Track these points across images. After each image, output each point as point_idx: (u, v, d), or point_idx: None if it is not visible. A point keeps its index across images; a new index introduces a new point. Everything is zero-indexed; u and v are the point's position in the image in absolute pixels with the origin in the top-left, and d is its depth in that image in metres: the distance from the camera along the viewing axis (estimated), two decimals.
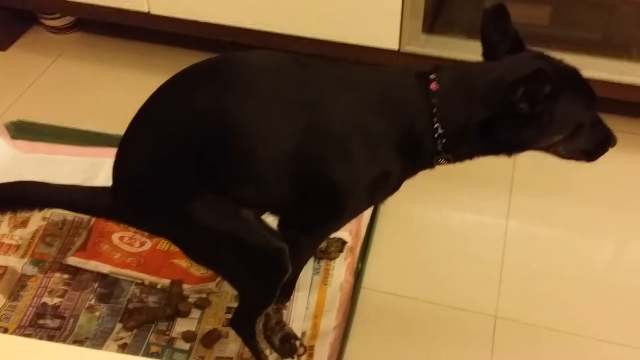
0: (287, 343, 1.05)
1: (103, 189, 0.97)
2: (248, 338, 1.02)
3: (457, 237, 1.30)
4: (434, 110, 0.85)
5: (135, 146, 0.91)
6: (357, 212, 0.98)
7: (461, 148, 0.89)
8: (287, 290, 1.05)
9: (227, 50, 1.42)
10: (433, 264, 1.24)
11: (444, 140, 0.87)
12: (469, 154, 0.91)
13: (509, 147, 0.89)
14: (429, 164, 0.92)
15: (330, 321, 1.11)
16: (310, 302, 1.14)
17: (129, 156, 0.92)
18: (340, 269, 1.20)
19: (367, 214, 1.26)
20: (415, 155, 0.90)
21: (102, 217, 1.00)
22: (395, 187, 0.95)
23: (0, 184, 1.02)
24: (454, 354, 1.10)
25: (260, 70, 0.89)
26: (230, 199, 0.89)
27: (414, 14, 1.38)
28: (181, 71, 0.91)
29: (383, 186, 0.92)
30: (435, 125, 0.86)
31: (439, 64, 0.89)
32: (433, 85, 0.86)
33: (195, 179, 0.88)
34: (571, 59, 1.38)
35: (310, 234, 0.96)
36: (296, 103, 0.86)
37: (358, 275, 1.19)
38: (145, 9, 1.55)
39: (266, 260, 0.91)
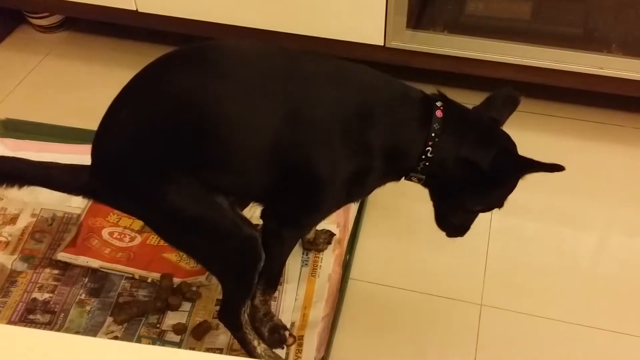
0: (276, 333, 1.06)
1: (82, 167, 0.96)
2: (235, 329, 1.03)
3: None
4: (432, 135, 0.89)
5: (113, 125, 0.91)
6: (334, 206, 0.98)
7: (435, 176, 0.93)
8: (274, 281, 1.05)
9: None
10: (419, 255, 1.26)
11: (426, 163, 0.91)
12: (436, 183, 0.96)
13: (474, 196, 0.95)
14: (401, 177, 0.96)
15: (318, 312, 1.13)
16: (299, 294, 1.16)
17: (106, 135, 0.92)
18: (329, 260, 1.21)
19: (354, 206, 1.28)
20: (396, 165, 0.93)
21: (79, 195, 0.98)
22: (369, 190, 0.97)
23: None
24: (440, 341, 1.12)
25: (246, 58, 0.90)
26: (207, 185, 0.90)
27: (398, 10, 1.41)
28: (166, 53, 0.92)
29: (360, 184, 0.93)
30: (427, 148, 0.90)
31: (441, 93, 0.93)
32: (438, 113, 0.90)
33: (171, 162, 0.88)
34: (553, 54, 1.42)
35: (291, 225, 0.97)
36: (281, 93, 0.87)
37: (346, 266, 1.21)
38: (132, 7, 1.56)
39: (238, 248, 0.92)
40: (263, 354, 1.03)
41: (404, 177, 0.96)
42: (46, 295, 1.17)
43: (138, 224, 1.28)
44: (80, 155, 1.41)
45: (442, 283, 1.21)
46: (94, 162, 0.94)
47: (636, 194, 1.38)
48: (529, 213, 1.35)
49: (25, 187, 0.99)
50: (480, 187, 0.93)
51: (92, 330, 1.11)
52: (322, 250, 1.22)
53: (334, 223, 1.27)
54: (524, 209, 1.35)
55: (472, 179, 0.92)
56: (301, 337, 1.10)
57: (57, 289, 1.18)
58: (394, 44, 1.45)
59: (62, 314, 1.14)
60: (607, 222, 1.35)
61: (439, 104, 0.91)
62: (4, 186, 0.98)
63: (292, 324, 1.12)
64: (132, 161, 0.89)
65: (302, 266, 1.21)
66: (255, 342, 1.03)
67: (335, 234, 1.25)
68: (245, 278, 0.95)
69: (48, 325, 1.12)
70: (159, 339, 1.10)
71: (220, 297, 1.15)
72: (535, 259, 1.26)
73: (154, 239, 1.25)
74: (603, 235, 1.34)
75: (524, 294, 1.20)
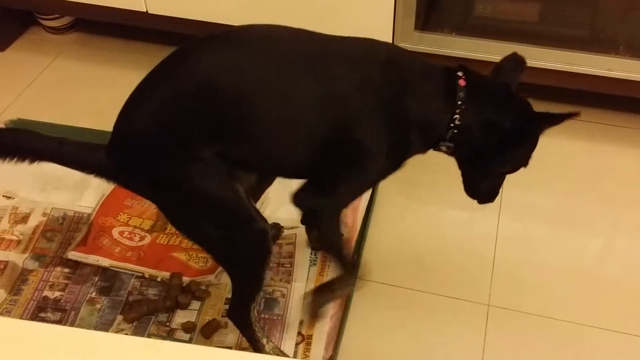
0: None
1: (96, 146, 0.95)
2: (243, 327, 1.03)
3: (451, 229, 1.32)
4: (459, 102, 0.93)
5: (142, 103, 0.90)
6: (374, 177, 1.00)
7: (463, 142, 0.96)
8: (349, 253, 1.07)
9: None
10: (427, 256, 1.27)
11: (455, 131, 0.94)
12: (465, 150, 0.98)
13: (501, 157, 0.98)
14: (430, 147, 0.98)
15: (328, 311, 1.13)
16: (308, 292, 1.17)
17: (135, 113, 0.91)
18: None
19: (362, 206, 1.29)
20: (428, 136, 0.96)
21: (92, 174, 0.96)
22: (402, 163, 0.99)
23: None
24: (448, 341, 1.12)
25: (280, 39, 0.92)
26: (236, 163, 0.91)
27: (407, 12, 1.41)
28: (197, 38, 0.93)
29: (396, 157, 0.96)
30: (455, 116, 0.93)
31: (461, 64, 0.97)
32: (461, 82, 0.94)
33: (200, 140, 0.88)
34: (560, 55, 1.42)
35: (329, 199, 0.97)
36: (317, 72, 0.89)
37: (354, 266, 1.21)
38: (142, 8, 1.57)
39: (249, 239, 0.94)
40: (271, 352, 1.03)
41: (432, 148, 0.99)
42: (57, 294, 1.18)
43: (148, 223, 1.30)
44: None
45: (449, 283, 1.21)
46: (116, 139, 0.93)
47: None
48: (535, 214, 1.35)
49: (36, 162, 0.96)
50: (506, 147, 0.96)
51: (102, 328, 1.12)
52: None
53: (341, 223, 1.27)
54: (531, 211, 1.36)
55: (497, 141, 0.95)
56: (310, 336, 1.10)
57: (67, 287, 1.19)
58: (402, 45, 1.46)
59: (73, 312, 1.15)
60: (614, 224, 1.35)
61: (460, 73, 0.95)
62: (15, 160, 0.95)
63: (301, 323, 1.12)
64: (160, 138, 0.89)
65: (310, 266, 1.22)
66: (264, 340, 1.04)
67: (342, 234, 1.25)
68: (255, 271, 0.96)
69: (59, 323, 1.13)
70: (169, 337, 1.12)
71: (229, 295, 1.17)
72: (542, 260, 1.26)
73: (163, 239, 1.27)
74: (610, 237, 1.34)
75: (531, 294, 1.20)
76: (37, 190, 1.37)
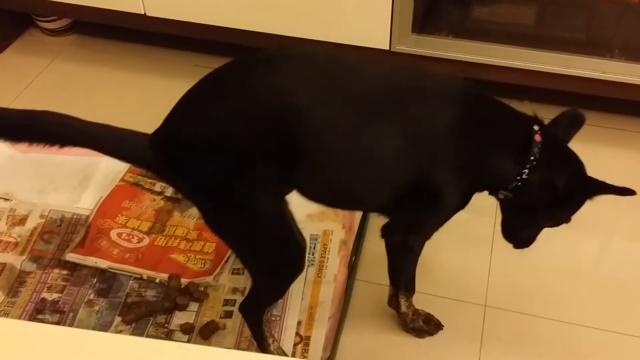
0: (432, 322, 1.13)
1: (135, 134, 0.93)
2: (254, 324, 1.04)
3: (448, 230, 1.32)
4: (531, 158, 0.93)
5: (209, 106, 0.88)
6: (452, 213, 1.00)
7: (521, 195, 0.97)
8: (413, 285, 1.11)
9: (222, 51, 1.45)
10: (424, 256, 1.26)
11: (518, 184, 0.95)
12: (518, 201, 0.99)
13: (546, 212, 1.00)
14: (491, 191, 1.00)
15: (325, 311, 1.14)
16: (306, 293, 1.17)
17: (197, 113, 0.88)
18: (334, 261, 1.23)
19: None
20: (494, 182, 0.98)
21: (129, 163, 0.94)
22: (468, 201, 1.01)
23: (26, 112, 0.94)
24: (445, 342, 1.13)
25: (362, 74, 0.90)
26: (289, 184, 0.91)
27: (404, 14, 1.42)
28: (280, 50, 0.92)
29: (466, 195, 0.98)
30: (524, 170, 0.94)
31: (536, 116, 0.97)
32: (537, 137, 0.94)
33: (263, 156, 0.86)
34: (556, 58, 1.43)
35: (416, 234, 1.02)
36: (392, 109, 0.88)
37: (352, 267, 1.22)
38: (141, 10, 1.57)
39: (287, 255, 0.94)
40: (275, 351, 1.04)
41: (488, 192, 1.01)
42: (55, 295, 1.18)
43: (146, 225, 1.30)
44: (91, 157, 1.43)
45: (446, 284, 1.22)
46: (171, 137, 0.90)
47: (638, 198, 1.39)
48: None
49: (68, 147, 0.93)
50: (554, 206, 0.98)
51: (100, 329, 1.12)
52: None
53: (340, 224, 1.28)
54: None
55: (549, 199, 0.97)
56: (308, 337, 1.11)
57: (65, 289, 1.19)
58: (399, 48, 1.47)
59: (71, 314, 1.15)
60: (610, 225, 1.36)
61: (536, 127, 0.95)
62: (44, 143, 0.92)
63: (299, 324, 1.13)
64: (224, 146, 0.86)
65: (308, 266, 1.22)
66: (270, 340, 1.05)
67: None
68: (284, 284, 0.98)
69: (57, 325, 1.13)
70: (167, 338, 1.12)
71: (228, 297, 1.17)
72: (539, 261, 1.27)
73: (162, 240, 1.27)
74: (607, 238, 1.35)
75: (528, 295, 1.21)
76: (35, 192, 1.37)
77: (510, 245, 1.32)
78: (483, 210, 1.36)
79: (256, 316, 1.03)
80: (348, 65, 0.91)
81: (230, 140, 0.86)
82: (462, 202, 0.98)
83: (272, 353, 1.03)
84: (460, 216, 1.38)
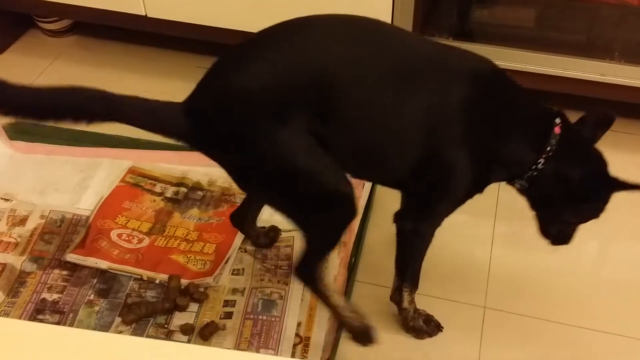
0: (432, 322, 1.13)
1: (166, 104, 0.92)
2: (309, 282, 1.03)
3: (447, 232, 1.32)
4: (548, 149, 0.95)
5: (252, 61, 0.89)
6: (463, 199, 1.01)
7: (537, 185, 0.99)
8: (417, 280, 1.11)
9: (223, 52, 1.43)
10: (424, 258, 1.27)
11: (534, 174, 0.97)
12: (536, 193, 1.01)
13: (569, 208, 1.02)
14: (505, 180, 1.01)
15: (324, 312, 1.14)
16: (306, 294, 1.17)
17: (240, 69, 0.89)
18: (334, 262, 1.23)
19: (360, 208, 1.30)
20: (509, 169, 0.99)
21: (161, 134, 0.92)
22: (483, 188, 1.01)
23: (55, 88, 0.93)
24: (444, 344, 1.13)
25: (398, 42, 0.94)
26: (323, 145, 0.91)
27: (404, 16, 1.43)
28: (321, 16, 0.94)
29: (480, 182, 0.99)
30: (540, 160, 0.95)
31: (560, 110, 0.99)
32: (557, 129, 0.96)
33: (302, 111, 0.88)
34: (556, 60, 1.44)
35: (428, 221, 1.02)
36: (424, 83, 0.91)
37: (351, 268, 1.22)
38: (142, 12, 1.58)
39: (338, 202, 0.93)
40: (348, 305, 1.05)
41: (507, 182, 1.02)
42: (55, 296, 1.18)
43: (146, 225, 1.30)
44: (91, 158, 1.44)
45: (446, 285, 1.22)
46: (212, 98, 0.90)
47: (638, 199, 1.39)
48: (530, 219, 1.36)
49: (97, 122, 0.92)
50: (572, 200, 0.99)
51: (100, 330, 1.12)
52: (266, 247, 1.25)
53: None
54: (527, 212, 1.36)
55: (566, 193, 0.98)
56: (307, 338, 1.11)
57: (66, 289, 1.19)
58: None
59: (71, 314, 1.16)
60: (610, 226, 1.35)
61: (557, 120, 0.96)
62: (71, 121, 0.90)
63: (299, 325, 1.13)
64: (269, 97, 0.87)
65: None
66: (336, 295, 1.04)
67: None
68: (337, 232, 0.97)
69: (57, 325, 1.14)
70: (167, 339, 1.12)
71: (227, 298, 1.17)
72: (539, 262, 1.27)
73: (162, 241, 1.27)
74: (607, 239, 1.35)
75: (528, 296, 1.21)
76: (35, 192, 1.37)
77: (510, 245, 1.32)
78: (483, 211, 1.37)
79: (310, 273, 1.01)
80: (384, 31, 0.95)
81: (275, 93, 0.88)
82: (474, 187, 0.98)
83: (342, 310, 1.03)
84: (460, 217, 1.38)
